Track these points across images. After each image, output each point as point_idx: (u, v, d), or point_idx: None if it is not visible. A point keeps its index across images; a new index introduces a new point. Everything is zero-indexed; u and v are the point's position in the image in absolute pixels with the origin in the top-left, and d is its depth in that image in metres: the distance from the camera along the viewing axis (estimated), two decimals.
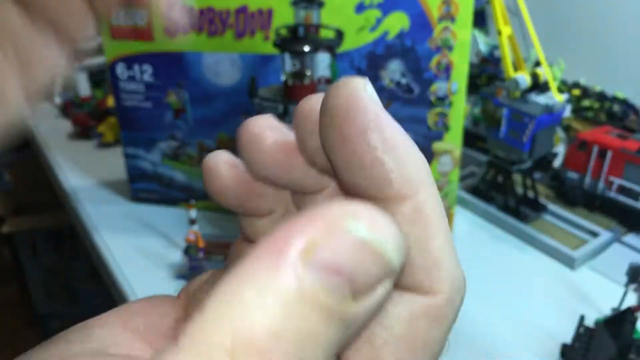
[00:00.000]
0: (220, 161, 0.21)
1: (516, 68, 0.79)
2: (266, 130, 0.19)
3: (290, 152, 0.19)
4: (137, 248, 0.78)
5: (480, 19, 1.02)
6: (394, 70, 0.74)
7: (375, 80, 0.75)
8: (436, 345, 0.17)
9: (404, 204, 0.16)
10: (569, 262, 0.76)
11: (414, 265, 0.16)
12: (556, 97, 0.77)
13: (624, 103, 1.12)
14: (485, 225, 0.85)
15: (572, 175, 0.86)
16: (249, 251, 0.14)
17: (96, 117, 1.12)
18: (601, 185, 0.83)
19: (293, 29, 0.63)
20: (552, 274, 0.75)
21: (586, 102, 1.13)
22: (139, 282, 0.72)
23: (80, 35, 0.23)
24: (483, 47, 1.06)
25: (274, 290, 0.13)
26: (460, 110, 0.75)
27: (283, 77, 0.65)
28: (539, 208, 0.85)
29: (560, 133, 1.06)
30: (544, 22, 1.21)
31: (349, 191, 0.17)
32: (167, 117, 0.82)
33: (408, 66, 0.73)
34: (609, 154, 0.81)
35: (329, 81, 0.72)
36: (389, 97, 0.75)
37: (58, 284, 1.61)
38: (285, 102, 0.64)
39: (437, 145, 0.77)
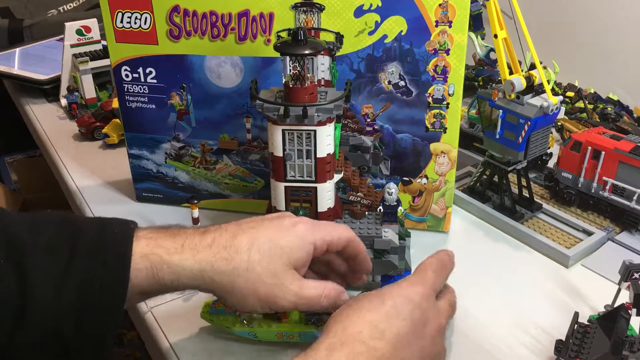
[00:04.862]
0: None
1: (512, 70, 0.80)
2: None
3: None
4: None
5: (477, 23, 1.03)
6: (392, 72, 0.75)
7: (374, 83, 0.76)
8: None
9: None
10: (564, 261, 0.77)
11: None
12: (551, 99, 0.78)
13: (618, 104, 1.13)
14: (481, 224, 0.86)
15: (567, 175, 0.87)
16: None
17: (101, 119, 1.13)
18: (595, 185, 0.84)
19: (293, 33, 0.64)
20: (547, 272, 0.76)
21: (580, 104, 1.14)
22: None
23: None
24: (479, 50, 1.07)
25: None
26: (456, 112, 0.76)
27: (284, 80, 0.66)
28: (534, 207, 0.86)
29: (554, 134, 1.07)
30: (539, 26, 1.22)
31: None
32: (170, 119, 0.84)
33: (406, 69, 0.75)
34: (603, 155, 0.82)
35: (329, 83, 0.73)
36: (387, 99, 0.77)
37: None
38: (285, 104, 0.65)
39: (434, 146, 0.78)
